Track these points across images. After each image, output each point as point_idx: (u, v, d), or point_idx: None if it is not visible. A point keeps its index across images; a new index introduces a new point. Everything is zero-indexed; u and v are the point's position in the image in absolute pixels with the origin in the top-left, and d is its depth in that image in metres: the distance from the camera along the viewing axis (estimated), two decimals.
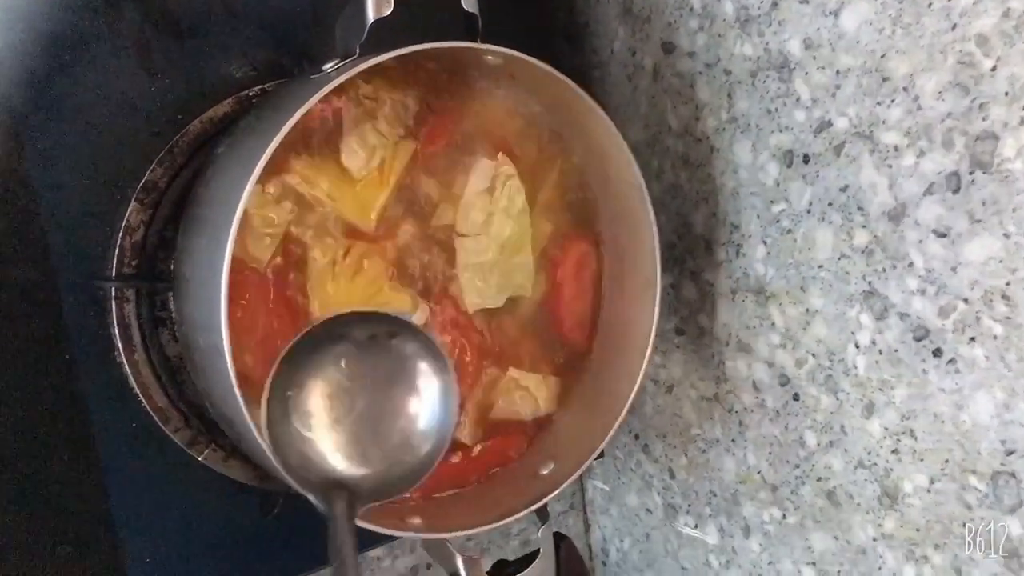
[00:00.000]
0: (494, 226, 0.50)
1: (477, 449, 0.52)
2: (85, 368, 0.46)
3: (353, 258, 0.45)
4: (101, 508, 0.47)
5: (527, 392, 0.53)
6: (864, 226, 0.47)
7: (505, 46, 0.43)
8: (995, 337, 0.42)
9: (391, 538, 0.61)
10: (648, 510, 0.70)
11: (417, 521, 0.45)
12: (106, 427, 0.47)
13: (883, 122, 0.45)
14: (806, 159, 0.50)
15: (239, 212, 0.35)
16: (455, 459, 0.50)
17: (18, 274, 0.44)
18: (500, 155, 0.49)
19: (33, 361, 0.45)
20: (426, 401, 0.39)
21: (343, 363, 0.38)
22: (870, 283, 0.48)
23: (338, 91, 0.41)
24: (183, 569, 0.49)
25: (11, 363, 0.44)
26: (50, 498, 0.46)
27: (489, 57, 0.44)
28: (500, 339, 0.53)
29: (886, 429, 0.49)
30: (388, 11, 0.39)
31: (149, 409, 0.48)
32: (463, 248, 0.49)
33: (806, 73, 0.49)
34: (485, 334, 0.52)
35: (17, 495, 0.45)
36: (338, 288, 0.44)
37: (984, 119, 0.40)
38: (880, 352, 0.48)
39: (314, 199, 0.44)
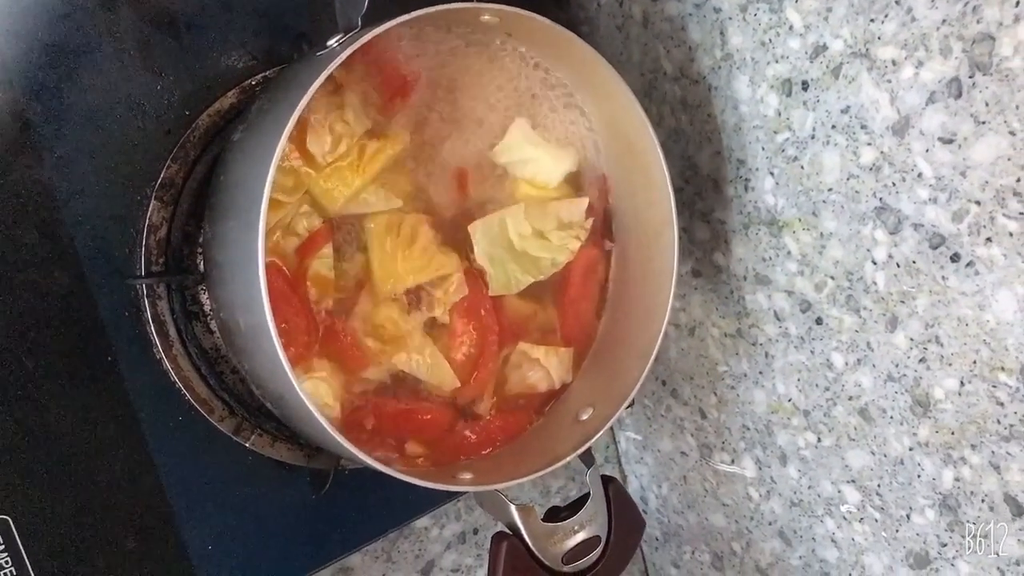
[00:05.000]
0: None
1: (491, 421, 0.52)
2: (127, 367, 0.47)
3: (407, 228, 0.46)
4: (159, 501, 0.48)
5: (538, 364, 0.53)
6: (869, 144, 0.48)
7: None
8: (1011, 234, 0.43)
9: (441, 502, 0.62)
10: (683, 453, 0.71)
11: (468, 476, 0.46)
12: (154, 422, 0.48)
13: (878, 38, 0.46)
14: (805, 86, 0.51)
15: (268, 185, 0.35)
16: (470, 433, 0.51)
17: (52, 283, 0.45)
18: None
19: (77, 366, 0.46)
20: None
21: None
22: (881, 199, 0.49)
23: None
24: (244, 552, 0.51)
25: (56, 370, 0.45)
26: (110, 497, 0.47)
27: (486, 16, 0.44)
28: (512, 315, 0.53)
29: (911, 340, 0.50)
30: None
31: (193, 401, 0.49)
32: (477, 238, 0.50)
33: (796, 0, 0.49)
34: (504, 311, 0.53)
35: (79, 498, 0.46)
36: (398, 256, 0.46)
37: (979, 22, 0.41)
38: (898, 265, 0.49)
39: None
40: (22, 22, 0.44)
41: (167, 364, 0.48)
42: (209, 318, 0.49)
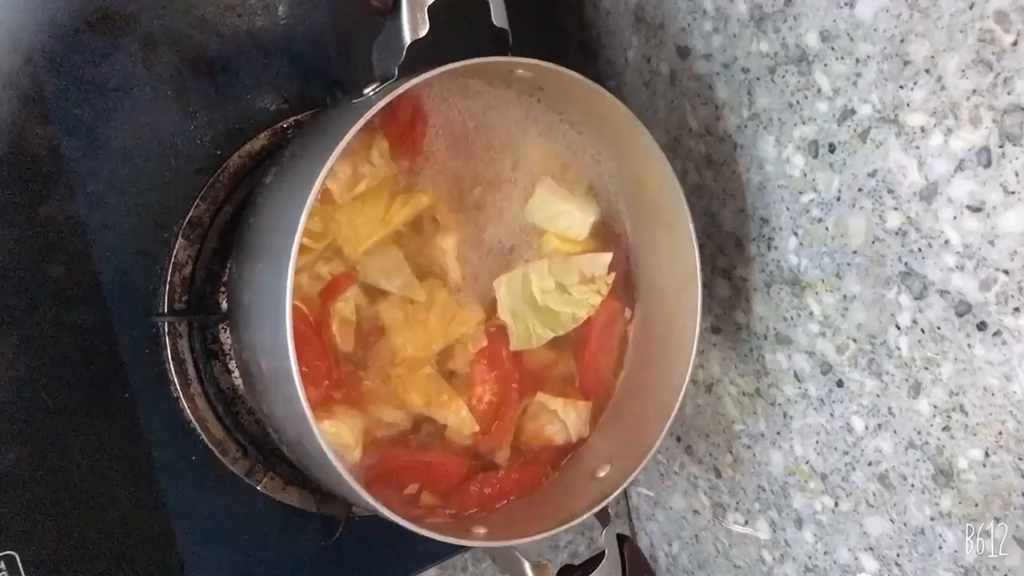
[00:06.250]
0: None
1: (508, 474, 0.51)
2: (143, 404, 0.47)
3: (425, 292, 0.46)
4: (167, 540, 0.48)
5: (556, 416, 0.53)
6: (896, 208, 0.48)
7: None
8: None
9: (450, 555, 0.61)
10: (695, 511, 0.70)
11: (482, 531, 0.45)
12: (167, 461, 0.48)
13: (907, 105, 0.46)
14: (832, 148, 0.51)
15: (299, 231, 0.36)
16: (487, 484, 0.50)
17: (75, 316, 0.45)
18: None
19: (94, 401, 0.46)
20: None
21: None
22: (906, 264, 0.48)
23: None
24: None
25: (73, 405, 0.45)
26: (117, 533, 0.46)
27: (520, 71, 0.45)
28: (532, 365, 0.53)
29: (935, 407, 0.49)
30: (424, 32, 0.40)
31: (207, 441, 0.49)
32: (501, 294, 0.50)
33: (825, 64, 0.50)
34: (525, 361, 0.52)
35: (86, 534, 0.45)
36: (416, 326, 0.46)
37: (1009, 93, 0.41)
38: (922, 331, 0.49)
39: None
40: (64, 59, 0.45)
41: (184, 403, 0.48)
42: (228, 358, 0.49)
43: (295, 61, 0.51)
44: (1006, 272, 0.44)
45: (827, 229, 0.52)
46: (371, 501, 0.38)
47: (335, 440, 0.43)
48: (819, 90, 0.50)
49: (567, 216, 0.52)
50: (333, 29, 0.52)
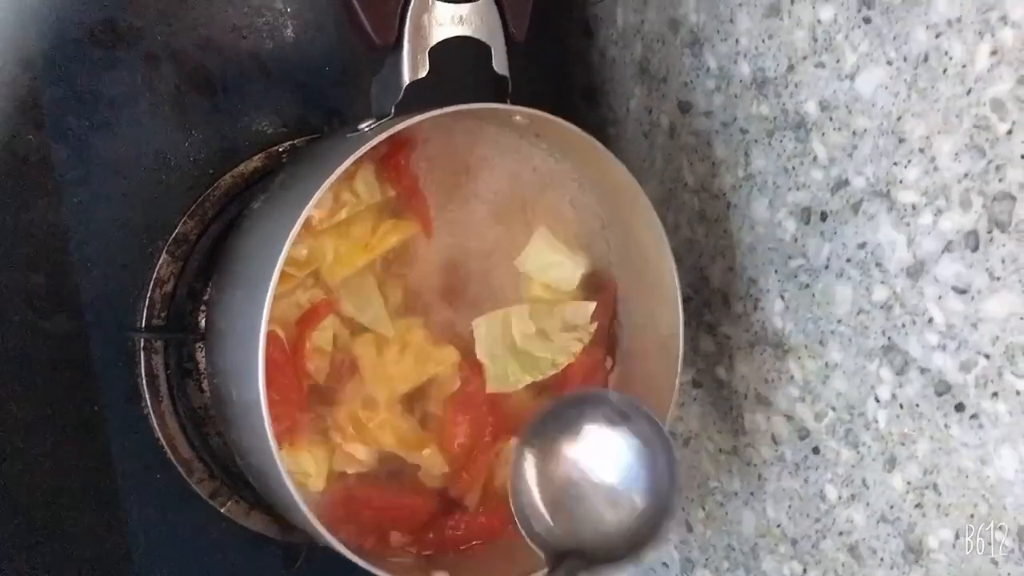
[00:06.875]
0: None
1: (476, 516, 0.51)
2: (112, 418, 0.47)
3: (399, 331, 0.46)
4: (124, 558, 0.47)
5: None
6: (883, 282, 0.48)
7: (525, 106, 0.45)
8: (1018, 393, 0.42)
9: None
10: (664, 564, 0.69)
11: (443, 575, 0.45)
12: (131, 477, 0.47)
13: (900, 181, 0.46)
14: (823, 216, 0.51)
15: (280, 263, 0.35)
16: (454, 526, 0.50)
17: (51, 324, 0.45)
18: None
19: (62, 413, 0.45)
20: (655, 476, 0.43)
21: (591, 437, 0.43)
22: (890, 338, 0.48)
23: None
24: None
25: (41, 412, 0.45)
26: (73, 547, 0.46)
27: (517, 117, 0.45)
28: (509, 408, 0.52)
29: (909, 483, 0.49)
30: (423, 73, 0.40)
31: (174, 460, 0.48)
32: (480, 334, 0.49)
33: (823, 133, 0.50)
34: (501, 405, 0.52)
35: (42, 545, 0.45)
36: (390, 363, 0.46)
37: (1001, 180, 0.41)
38: (901, 406, 0.48)
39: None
40: (65, 68, 0.45)
41: (154, 420, 0.48)
42: (203, 377, 0.49)
43: (297, 86, 0.52)
44: (987, 356, 0.44)
45: (814, 296, 0.52)
46: (327, 536, 0.37)
47: (297, 470, 0.43)
48: (815, 158, 0.51)
49: (559, 268, 0.52)
50: (339, 58, 0.53)
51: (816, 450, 0.54)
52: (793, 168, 0.52)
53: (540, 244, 0.51)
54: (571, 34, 0.68)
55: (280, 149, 0.51)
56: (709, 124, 0.57)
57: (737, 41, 0.54)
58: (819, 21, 0.49)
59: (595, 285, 0.54)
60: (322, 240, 0.44)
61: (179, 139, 0.48)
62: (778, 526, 0.58)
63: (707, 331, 0.61)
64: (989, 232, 0.42)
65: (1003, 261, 0.42)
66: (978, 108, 0.42)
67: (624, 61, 0.64)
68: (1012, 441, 0.43)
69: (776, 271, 0.54)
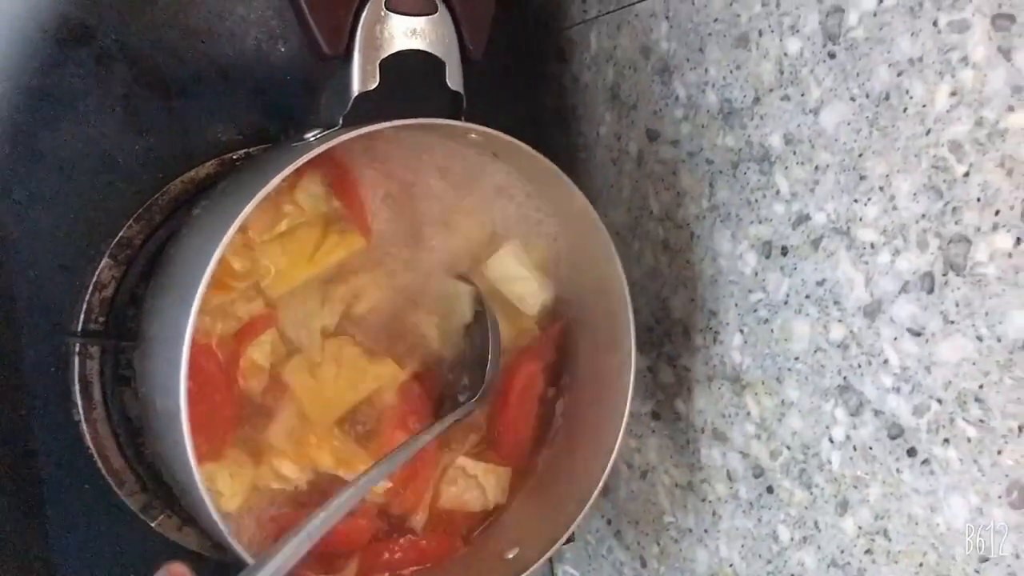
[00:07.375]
0: None
1: (420, 539, 0.50)
2: (41, 424, 0.45)
3: (330, 352, 0.44)
4: (46, 571, 0.45)
5: (475, 481, 0.51)
6: (840, 320, 0.47)
7: (494, 126, 0.44)
8: (969, 440, 0.41)
9: None
10: None
11: None
12: (57, 487, 0.45)
13: (860, 219, 0.45)
14: (784, 251, 0.50)
15: (207, 275, 0.34)
16: (398, 548, 0.49)
17: None
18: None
19: None
20: None
21: None
22: (845, 378, 0.47)
23: None
24: None
25: None
26: None
27: (472, 135, 0.44)
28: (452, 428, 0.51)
29: (860, 528, 0.47)
30: (373, 85, 0.39)
31: (104, 471, 0.46)
32: None
33: (786, 167, 0.49)
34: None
35: None
36: (325, 383, 0.44)
37: (957, 223, 0.41)
38: (854, 448, 0.47)
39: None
40: (13, 64, 0.44)
41: (85, 427, 0.46)
42: (137, 385, 0.47)
43: (255, 94, 0.51)
44: (939, 401, 0.43)
45: (772, 331, 0.51)
46: (242, 554, 0.36)
47: (214, 487, 0.41)
48: (778, 191, 0.50)
49: (526, 284, 0.51)
50: (300, 67, 0.52)
51: (770, 489, 0.53)
52: (756, 201, 0.51)
53: (510, 255, 0.50)
54: (546, 58, 0.68)
55: (235, 157, 0.50)
56: (676, 153, 0.57)
57: (706, 70, 0.53)
58: (786, 54, 0.48)
59: (549, 317, 0.53)
60: (265, 251, 0.43)
61: (129, 141, 0.47)
62: (731, 565, 0.57)
63: (667, 362, 0.60)
64: (944, 275, 0.42)
65: (957, 305, 0.41)
66: (936, 149, 0.41)
67: (596, 86, 0.63)
68: (962, 490, 0.42)
69: (736, 304, 0.53)
